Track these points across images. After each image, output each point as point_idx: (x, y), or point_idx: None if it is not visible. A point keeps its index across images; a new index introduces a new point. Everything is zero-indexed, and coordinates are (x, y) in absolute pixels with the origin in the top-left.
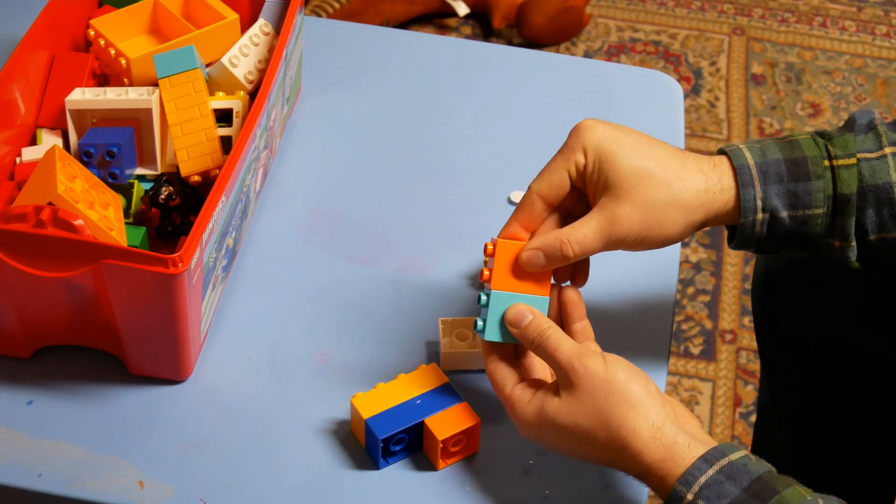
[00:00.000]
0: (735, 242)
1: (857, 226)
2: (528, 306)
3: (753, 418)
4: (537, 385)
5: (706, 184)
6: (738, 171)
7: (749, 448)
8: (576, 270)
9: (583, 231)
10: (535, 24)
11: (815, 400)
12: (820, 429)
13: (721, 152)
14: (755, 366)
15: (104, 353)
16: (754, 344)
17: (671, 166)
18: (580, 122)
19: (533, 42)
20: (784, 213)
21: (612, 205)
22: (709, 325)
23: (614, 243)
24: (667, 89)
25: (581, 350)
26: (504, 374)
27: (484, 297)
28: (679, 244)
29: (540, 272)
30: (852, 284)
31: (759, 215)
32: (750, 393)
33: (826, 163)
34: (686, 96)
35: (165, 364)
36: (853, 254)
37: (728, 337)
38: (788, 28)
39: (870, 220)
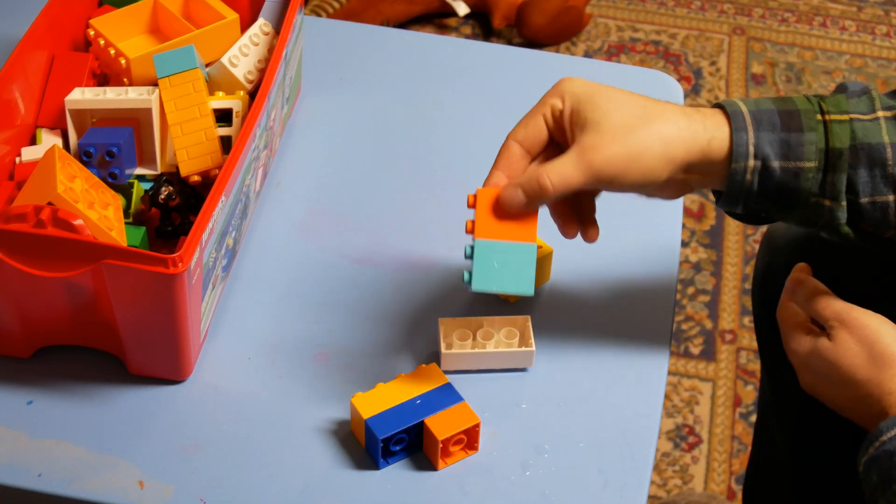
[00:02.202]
0: (724, 196)
1: (848, 187)
2: (798, 276)
3: (753, 418)
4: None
5: (688, 121)
6: (732, 117)
7: (749, 448)
8: (583, 225)
9: (560, 162)
10: (535, 24)
11: (815, 400)
12: (820, 429)
13: (715, 106)
14: (755, 366)
15: (104, 353)
16: (754, 344)
17: (652, 107)
18: (561, 79)
19: (533, 42)
20: (776, 163)
21: (590, 136)
22: (709, 325)
23: (594, 175)
24: (667, 89)
25: (847, 306)
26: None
27: (469, 249)
28: (679, 245)
29: (524, 218)
30: (852, 283)
31: (751, 162)
32: (750, 393)
33: (819, 117)
34: (686, 96)
35: (165, 364)
36: (843, 215)
37: (728, 337)
38: (788, 28)
39: (861, 181)
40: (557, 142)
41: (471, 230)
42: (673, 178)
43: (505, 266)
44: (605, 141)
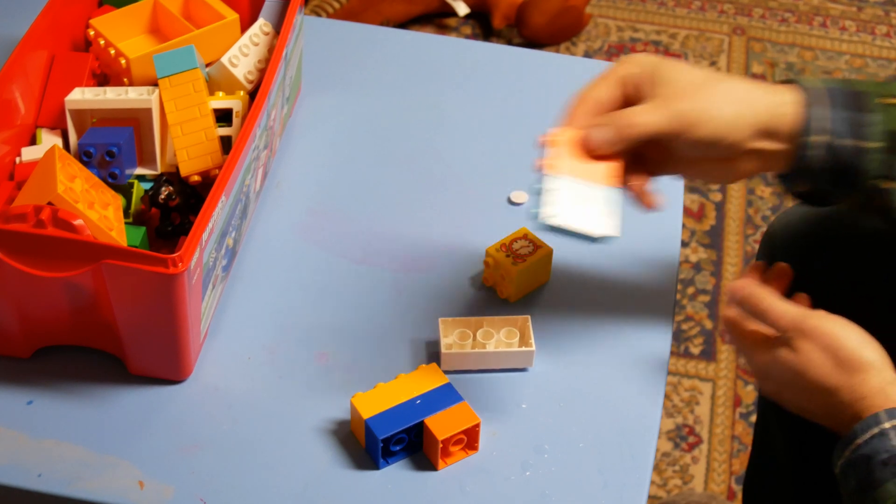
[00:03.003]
0: (792, 171)
1: None
2: (742, 283)
3: (753, 418)
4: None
5: (757, 85)
6: (808, 92)
7: (749, 448)
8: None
9: (643, 106)
10: (535, 24)
11: None
12: (820, 429)
13: (785, 82)
14: None
15: (104, 353)
16: None
17: (720, 73)
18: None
19: (533, 42)
20: (844, 141)
21: (671, 88)
22: (709, 325)
23: (677, 119)
24: None
25: (803, 313)
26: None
27: (541, 185)
28: (679, 245)
29: (605, 161)
30: (853, 284)
31: (823, 137)
32: (750, 393)
33: (878, 100)
34: None
35: (165, 364)
36: None
37: (728, 337)
38: (788, 28)
39: None
40: (629, 104)
41: (545, 167)
42: (744, 143)
43: (584, 206)
44: (687, 91)
